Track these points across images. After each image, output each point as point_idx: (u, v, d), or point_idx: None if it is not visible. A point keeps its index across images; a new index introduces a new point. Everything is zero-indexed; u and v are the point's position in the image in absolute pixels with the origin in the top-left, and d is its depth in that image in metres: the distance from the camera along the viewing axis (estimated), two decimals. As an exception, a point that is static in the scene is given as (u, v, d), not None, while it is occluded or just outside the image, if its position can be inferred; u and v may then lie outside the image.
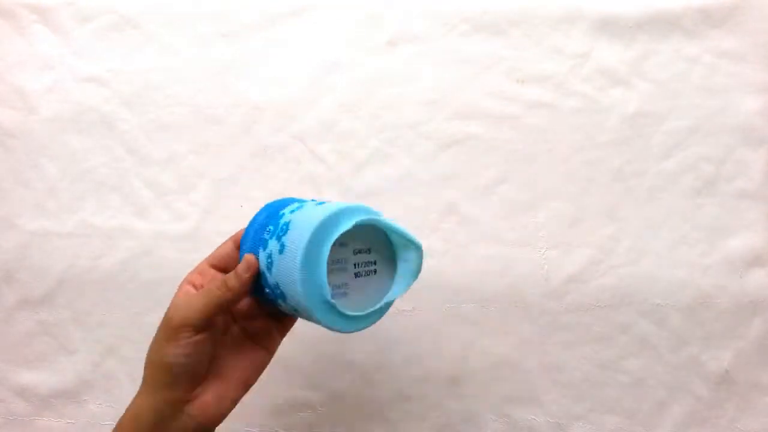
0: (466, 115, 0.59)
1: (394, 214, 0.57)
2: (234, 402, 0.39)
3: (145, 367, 0.37)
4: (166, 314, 0.38)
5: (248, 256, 0.38)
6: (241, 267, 0.37)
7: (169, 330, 0.37)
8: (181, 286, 0.39)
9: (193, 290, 0.39)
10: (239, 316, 0.41)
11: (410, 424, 0.55)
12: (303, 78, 0.59)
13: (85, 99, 0.59)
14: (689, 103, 0.59)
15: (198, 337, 0.36)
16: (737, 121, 0.58)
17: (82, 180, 0.58)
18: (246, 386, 0.39)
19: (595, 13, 0.60)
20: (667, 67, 0.59)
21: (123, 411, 0.58)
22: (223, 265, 0.41)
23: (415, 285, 0.56)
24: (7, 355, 0.56)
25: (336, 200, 0.58)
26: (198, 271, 0.40)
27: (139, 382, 0.55)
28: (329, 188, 0.58)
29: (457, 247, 0.57)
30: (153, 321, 0.56)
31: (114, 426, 0.38)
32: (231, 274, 0.37)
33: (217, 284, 0.37)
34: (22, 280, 0.57)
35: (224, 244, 0.42)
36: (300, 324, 0.56)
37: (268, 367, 0.57)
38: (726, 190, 0.58)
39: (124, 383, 0.56)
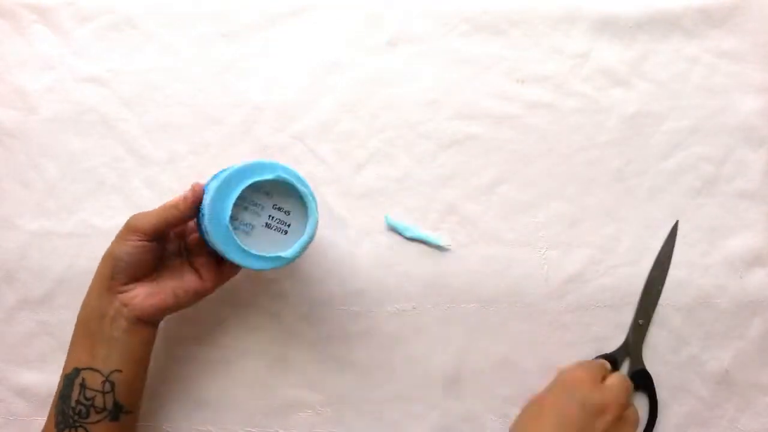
0: (466, 115, 0.59)
1: (394, 214, 0.57)
2: (160, 305, 0.46)
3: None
4: (127, 220, 0.46)
5: (194, 184, 0.45)
6: (187, 191, 0.45)
7: (123, 231, 0.46)
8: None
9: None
10: (189, 248, 0.50)
11: (410, 424, 0.55)
12: (303, 78, 0.59)
13: (85, 99, 0.59)
14: (689, 103, 0.59)
15: (143, 242, 0.45)
16: (737, 121, 0.58)
17: (82, 180, 0.58)
18: (175, 297, 0.47)
19: (595, 13, 0.60)
20: (667, 67, 0.59)
21: (123, 411, 0.57)
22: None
23: (415, 285, 0.56)
24: (7, 355, 0.56)
25: (335, 200, 0.58)
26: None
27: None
28: (329, 188, 0.58)
29: (457, 247, 0.57)
30: (153, 321, 0.56)
31: None
32: (180, 197, 0.45)
33: (170, 203, 0.46)
34: (22, 280, 0.57)
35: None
36: (300, 324, 0.56)
37: (268, 367, 0.57)
38: (726, 190, 0.58)
39: (124, 383, 0.56)
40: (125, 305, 0.45)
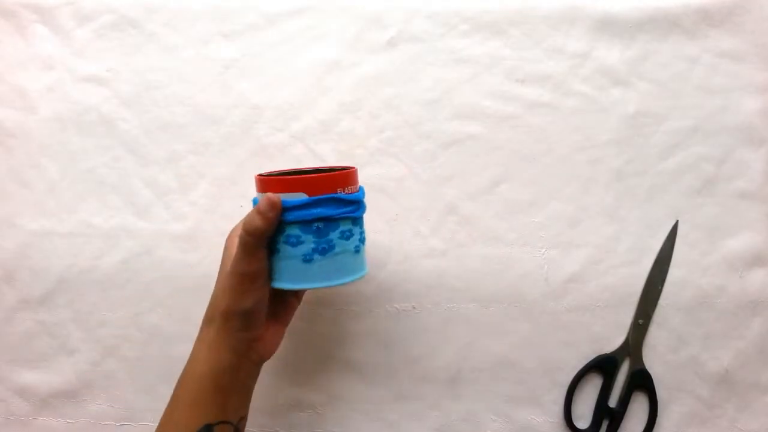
0: (466, 115, 0.59)
1: (394, 214, 0.57)
2: (281, 339, 0.47)
3: (211, 318, 0.44)
4: (227, 268, 0.44)
5: (273, 197, 0.41)
6: (264, 203, 0.41)
7: (233, 282, 0.42)
8: (230, 243, 0.46)
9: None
10: None
11: (410, 424, 0.55)
12: (303, 78, 0.59)
13: (85, 99, 0.59)
14: (689, 103, 0.59)
15: (261, 287, 0.43)
16: (737, 121, 0.58)
17: (82, 180, 0.58)
18: (286, 325, 0.48)
19: (595, 13, 0.60)
20: (667, 67, 0.59)
21: (123, 411, 0.57)
22: None
23: (415, 285, 0.56)
24: (7, 355, 0.56)
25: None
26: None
27: (139, 381, 0.55)
28: (329, 188, 0.58)
29: (457, 247, 0.57)
30: (153, 321, 0.56)
31: (180, 379, 0.45)
32: (253, 214, 0.42)
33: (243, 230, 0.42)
34: (22, 280, 0.57)
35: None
36: (300, 325, 0.56)
37: (268, 367, 0.56)
38: (726, 190, 0.58)
39: (124, 383, 0.56)
40: (256, 353, 0.45)
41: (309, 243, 0.42)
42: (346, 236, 0.44)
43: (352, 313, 0.56)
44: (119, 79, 0.59)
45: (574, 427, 0.55)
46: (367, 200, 0.58)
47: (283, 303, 0.48)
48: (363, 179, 0.58)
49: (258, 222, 0.41)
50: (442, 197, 0.58)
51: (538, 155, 0.58)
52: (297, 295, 0.50)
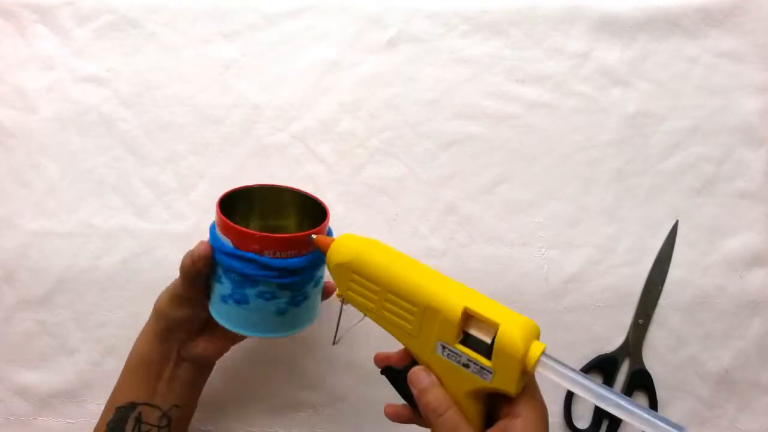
0: (466, 115, 0.59)
1: (394, 214, 0.57)
2: (220, 351, 0.48)
3: (154, 308, 0.47)
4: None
5: (204, 249, 0.43)
6: (194, 249, 0.44)
7: (169, 290, 0.46)
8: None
9: None
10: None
11: (410, 424, 0.55)
12: (303, 78, 0.59)
13: (85, 99, 0.59)
14: (689, 103, 0.59)
15: (190, 307, 0.46)
16: (737, 121, 0.58)
17: (82, 180, 0.58)
18: (231, 340, 0.49)
19: (595, 13, 0.60)
20: (667, 67, 0.59)
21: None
22: None
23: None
24: (7, 355, 0.56)
25: (335, 200, 0.58)
26: None
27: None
28: (329, 188, 0.58)
29: (457, 247, 0.57)
30: (153, 321, 0.56)
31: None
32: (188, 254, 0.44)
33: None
34: (22, 280, 0.57)
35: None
36: (300, 324, 0.56)
37: (268, 367, 0.57)
38: (726, 190, 0.58)
39: (124, 383, 0.56)
40: (188, 354, 0.47)
41: (227, 287, 0.43)
42: (266, 297, 0.42)
43: (351, 313, 0.56)
44: (119, 79, 0.59)
45: (574, 427, 0.55)
46: (368, 200, 0.58)
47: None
48: (363, 179, 0.58)
49: (187, 261, 0.43)
50: (442, 197, 0.58)
51: (538, 155, 0.58)
52: None
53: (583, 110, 0.59)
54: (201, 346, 0.47)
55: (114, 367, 0.56)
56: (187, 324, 0.46)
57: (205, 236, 0.57)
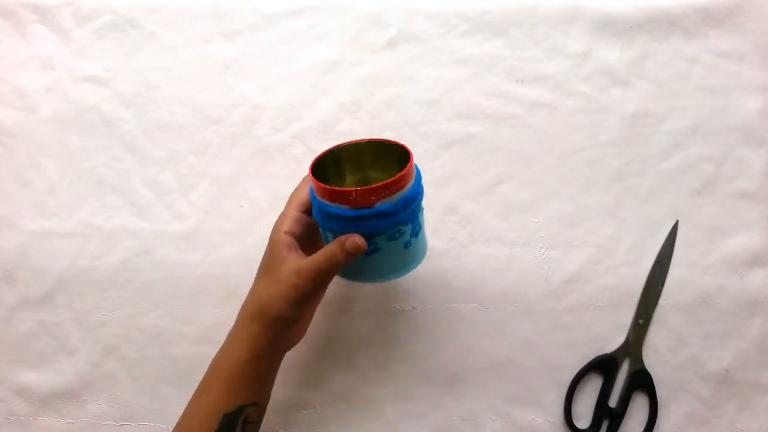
0: (466, 115, 0.59)
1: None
2: (309, 323, 0.49)
3: (257, 316, 0.44)
4: (276, 269, 0.44)
5: (361, 242, 0.42)
6: (351, 245, 0.42)
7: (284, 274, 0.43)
8: (280, 239, 0.45)
9: (295, 244, 0.45)
10: None
11: (410, 424, 0.55)
12: (303, 78, 0.59)
13: (85, 99, 0.59)
14: (689, 103, 0.59)
15: (318, 302, 0.48)
16: (737, 121, 0.58)
17: (82, 180, 0.58)
18: (314, 310, 0.49)
19: (595, 13, 0.60)
20: (667, 67, 0.59)
21: (123, 411, 0.58)
22: (309, 209, 0.47)
23: (416, 285, 0.56)
24: (7, 355, 0.56)
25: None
26: (292, 219, 0.46)
27: (140, 381, 0.56)
28: (329, 188, 0.58)
29: (457, 247, 0.57)
30: (153, 321, 0.56)
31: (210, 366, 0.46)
32: (339, 250, 0.42)
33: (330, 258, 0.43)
34: (22, 280, 0.57)
35: (301, 187, 0.48)
36: (300, 324, 0.56)
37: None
38: (726, 190, 0.58)
39: (124, 383, 0.56)
40: (291, 343, 0.48)
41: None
42: (394, 237, 0.44)
43: (352, 313, 0.56)
44: (119, 79, 0.59)
45: (574, 427, 0.55)
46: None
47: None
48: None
49: (341, 259, 0.42)
50: (442, 197, 0.58)
51: (538, 155, 0.58)
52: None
53: (583, 110, 0.59)
54: (297, 336, 0.48)
55: (114, 367, 0.56)
56: (303, 322, 0.47)
57: (205, 236, 0.57)
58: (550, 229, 0.57)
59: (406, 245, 0.45)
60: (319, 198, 0.43)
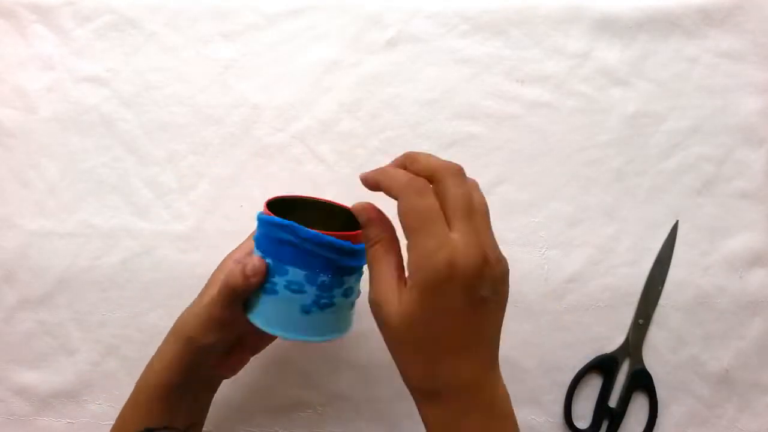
0: (466, 115, 0.59)
1: (394, 214, 0.57)
2: (244, 364, 0.47)
3: (177, 335, 0.44)
4: (210, 292, 0.43)
5: (260, 265, 0.40)
6: (250, 269, 0.40)
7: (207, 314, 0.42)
8: (225, 264, 0.45)
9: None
10: None
11: (410, 424, 0.55)
12: (303, 78, 0.59)
13: (85, 99, 0.59)
14: (689, 103, 0.59)
15: (231, 330, 0.43)
16: (737, 121, 0.58)
17: (82, 180, 0.58)
18: (255, 353, 0.47)
19: (595, 13, 0.60)
20: (667, 67, 0.59)
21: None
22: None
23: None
24: (7, 355, 0.56)
25: (335, 200, 0.58)
26: (246, 249, 0.45)
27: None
28: (329, 188, 0.58)
29: (457, 247, 0.57)
30: (153, 321, 0.56)
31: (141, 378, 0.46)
32: (239, 273, 0.40)
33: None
34: (22, 280, 0.57)
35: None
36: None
37: (268, 367, 0.56)
38: (726, 190, 0.58)
39: (124, 383, 0.56)
40: (211, 376, 0.46)
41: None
42: (293, 289, 0.41)
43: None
44: (119, 79, 0.59)
45: (574, 427, 0.55)
46: (367, 200, 0.58)
47: (259, 334, 0.44)
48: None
49: (239, 281, 0.40)
50: (442, 197, 0.58)
51: (538, 155, 0.58)
52: None
53: (583, 110, 0.59)
54: (225, 366, 0.45)
55: (114, 367, 0.56)
56: (220, 347, 0.44)
57: (205, 236, 0.57)
58: (550, 229, 0.57)
59: (352, 305, 0.45)
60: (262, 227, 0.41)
